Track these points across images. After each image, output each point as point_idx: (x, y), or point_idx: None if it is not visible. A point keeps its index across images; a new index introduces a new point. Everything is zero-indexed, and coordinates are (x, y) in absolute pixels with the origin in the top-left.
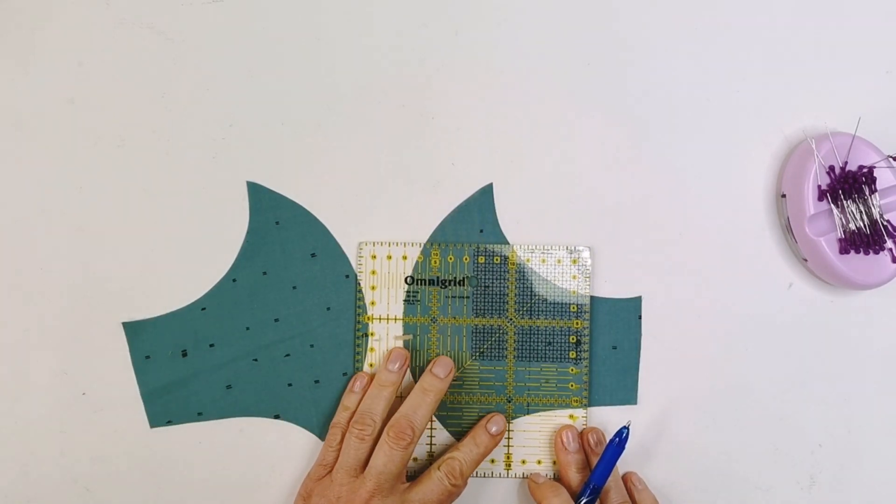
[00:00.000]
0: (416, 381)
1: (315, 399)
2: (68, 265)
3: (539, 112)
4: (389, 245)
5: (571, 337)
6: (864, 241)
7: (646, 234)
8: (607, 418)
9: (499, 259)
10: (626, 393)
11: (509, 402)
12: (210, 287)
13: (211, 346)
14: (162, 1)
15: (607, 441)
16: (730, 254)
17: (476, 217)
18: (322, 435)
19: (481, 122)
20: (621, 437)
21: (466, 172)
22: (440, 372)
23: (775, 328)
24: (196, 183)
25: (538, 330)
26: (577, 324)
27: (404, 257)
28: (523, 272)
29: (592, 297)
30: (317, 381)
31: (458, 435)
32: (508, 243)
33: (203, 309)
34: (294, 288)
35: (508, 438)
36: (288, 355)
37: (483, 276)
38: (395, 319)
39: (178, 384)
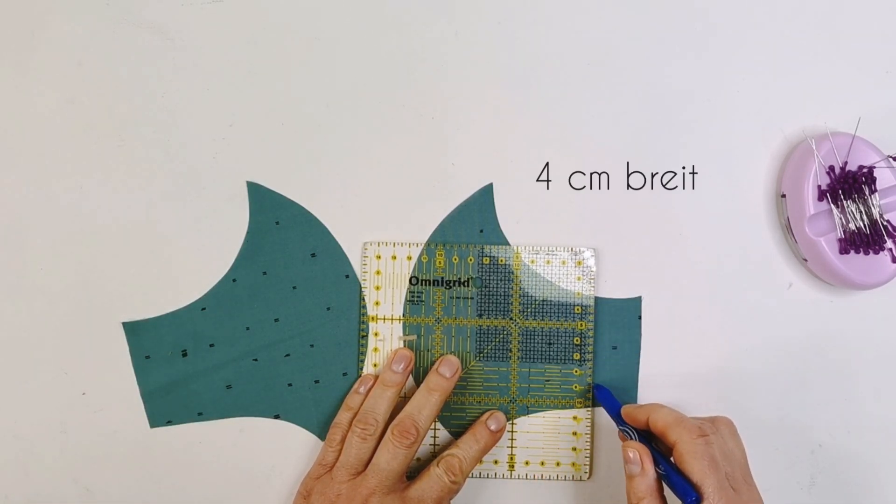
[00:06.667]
0: (417, 383)
1: (315, 399)
2: (68, 265)
3: (539, 112)
4: (394, 245)
5: (575, 338)
6: (864, 241)
7: (646, 234)
8: (610, 419)
9: (503, 260)
10: (626, 393)
11: (513, 402)
12: (210, 287)
13: (211, 346)
14: (162, 1)
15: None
16: (730, 254)
17: (476, 217)
18: (322, 435)
19: (481, 122)
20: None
21: (466, 172)
22: (446, 371)
23: (775, 328)
24: (196, 183)
25: (542, 331)
26: (581, 325)
27: (409, 258)
28: (528, 273)
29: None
30: (317, 381)
31: (461, 436)
32: (508, 243)
33: (203, 309)
34: (294, 288)
35: (512, 440)
36: (288, 355)
37: (487, 277)
38: (399, 320)
39: (178, 384)
